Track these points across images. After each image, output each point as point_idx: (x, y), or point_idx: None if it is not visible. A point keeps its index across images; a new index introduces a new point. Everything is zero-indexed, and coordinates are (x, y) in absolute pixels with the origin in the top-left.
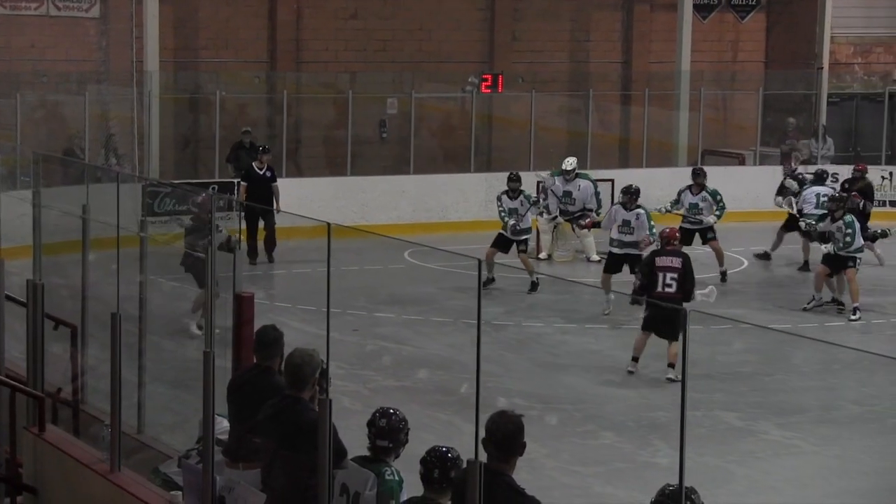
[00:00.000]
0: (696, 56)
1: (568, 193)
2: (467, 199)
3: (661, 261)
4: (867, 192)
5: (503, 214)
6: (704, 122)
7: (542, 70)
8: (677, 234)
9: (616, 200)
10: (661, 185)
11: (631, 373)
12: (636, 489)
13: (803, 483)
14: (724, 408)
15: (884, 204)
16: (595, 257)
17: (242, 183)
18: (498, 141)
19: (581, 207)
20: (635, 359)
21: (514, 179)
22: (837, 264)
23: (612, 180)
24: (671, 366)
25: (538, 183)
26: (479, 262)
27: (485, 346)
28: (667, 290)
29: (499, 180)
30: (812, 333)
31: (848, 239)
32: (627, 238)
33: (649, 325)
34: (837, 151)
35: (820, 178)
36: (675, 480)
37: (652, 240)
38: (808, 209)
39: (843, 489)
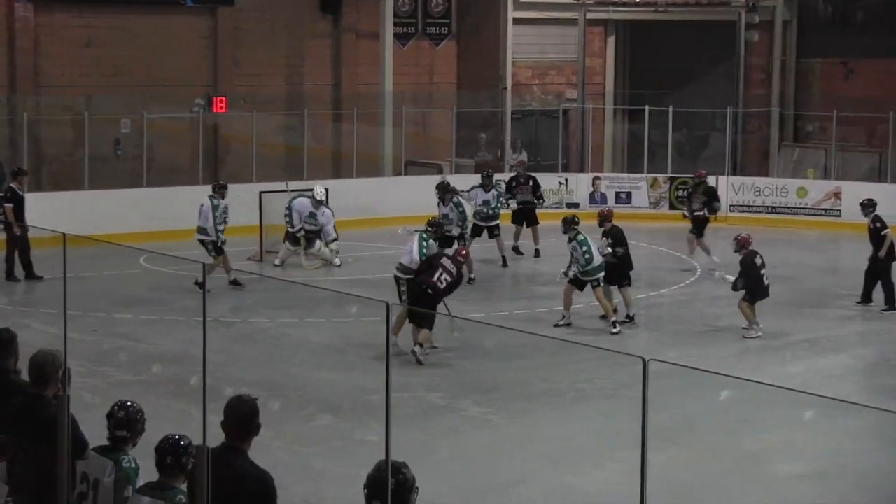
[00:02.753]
0: (398, 79)
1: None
2: (196, 209)
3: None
4: (711, 193)
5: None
6: (406, 137)
7: (262, 92)
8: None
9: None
10: (370, 192)
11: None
12: (353, 465)
13: (497, 450)
14: (428, 389)
15: (560, 205)
16: (337, 262)
17: (8, 204)
18: (223, 156)
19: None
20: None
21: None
22: (581, 284)
23: (327, 189)
24: (419, 345)
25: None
26: (203, 265)
27: (214, 341)
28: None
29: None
30: (504, 322)
31: (587, 256)
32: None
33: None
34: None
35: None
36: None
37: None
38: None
39: (533, 453)
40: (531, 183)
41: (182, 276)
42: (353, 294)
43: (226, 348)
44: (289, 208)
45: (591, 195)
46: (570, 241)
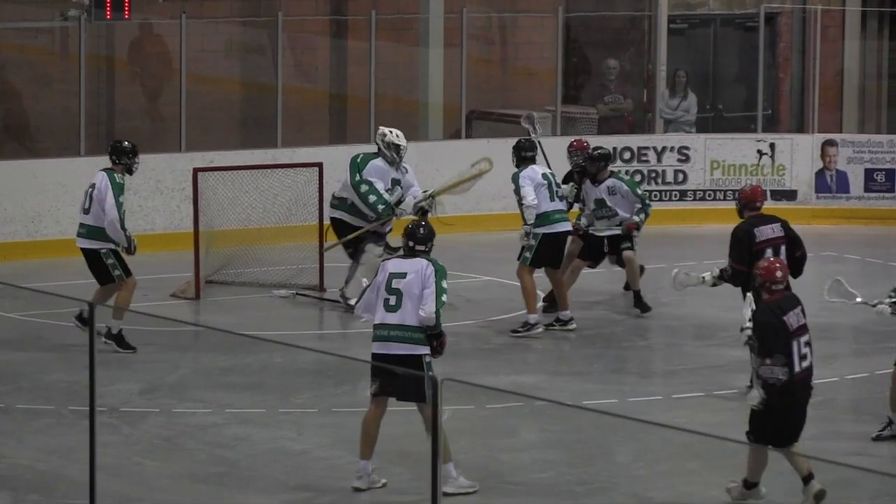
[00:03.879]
0: None
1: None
2: (74, 193)
3: None
4: None
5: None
6: (470, 66)
7: None
8: None
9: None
10: None
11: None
12: None
13: None
14: None
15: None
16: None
17: None
18: (124, 102)
19: None
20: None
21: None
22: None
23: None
24: None
25: None
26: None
27: (109, 453)
28: None
29: None
30: None
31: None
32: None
33: None
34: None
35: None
36: None
37: None
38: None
39: None
40: None
41: (46, 323)
42: (366, 361)
43: (128, 468)
44: (366, 183)
45: (820, 175)
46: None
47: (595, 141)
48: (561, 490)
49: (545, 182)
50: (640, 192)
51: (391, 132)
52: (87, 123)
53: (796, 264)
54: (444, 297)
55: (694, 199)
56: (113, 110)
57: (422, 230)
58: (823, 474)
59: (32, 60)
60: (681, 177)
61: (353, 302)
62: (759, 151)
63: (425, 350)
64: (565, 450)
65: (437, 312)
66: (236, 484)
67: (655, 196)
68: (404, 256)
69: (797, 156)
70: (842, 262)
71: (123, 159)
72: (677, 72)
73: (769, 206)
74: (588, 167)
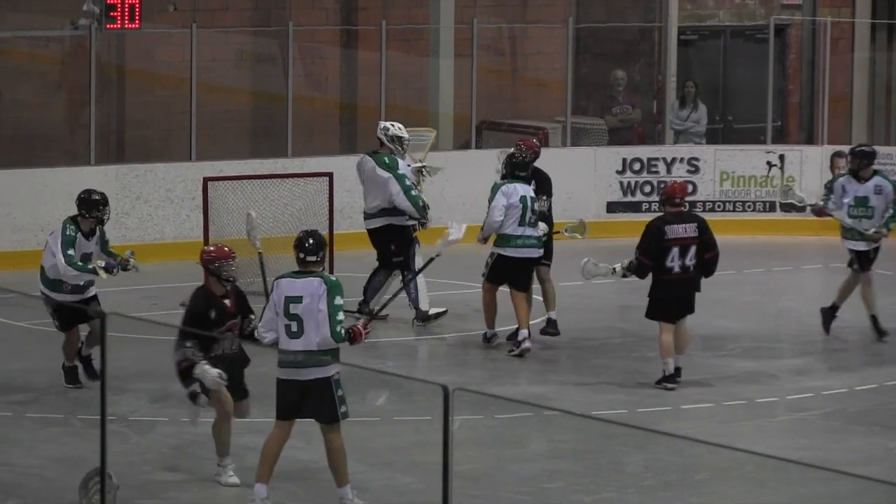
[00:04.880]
0: None
1: None
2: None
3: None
4: None
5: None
6: (481, 76)
7: None
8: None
9: None
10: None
11: None
12: None
13: None
14: None
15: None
16: None
17: None
18: (134, 111)
19: None
20: None
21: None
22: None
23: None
24: None
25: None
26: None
27: None
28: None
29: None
30: None
31: None
32: None
33: None
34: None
35: None
36: None
37: None
38: None
39: None
40: None
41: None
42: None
43: (138, 476)
44: (399, 177)
45: (830, 186)
46: None
47: (605, 151)
48: (570, 500)
49: (520, 205)
50: None
51: (393, 125)
52: (97, 133)
53: (706, 265)
54: (339, 316)
55: (703, 211)
56: (123, 119)
57: (311, 240)
58: (832, 484)
59: (43, 69)
60: (690, 188)
61: (433, 311)
62: (769, 163)
63: (335, 370)
64: (574, 460)
65: (336, 333)
66: (246, 493)
67: None
68: (297, 273)
69: (806, 167)
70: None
71: (93, 212)
72: (687, 83)
73: (778, 216)
74: (852, 164)
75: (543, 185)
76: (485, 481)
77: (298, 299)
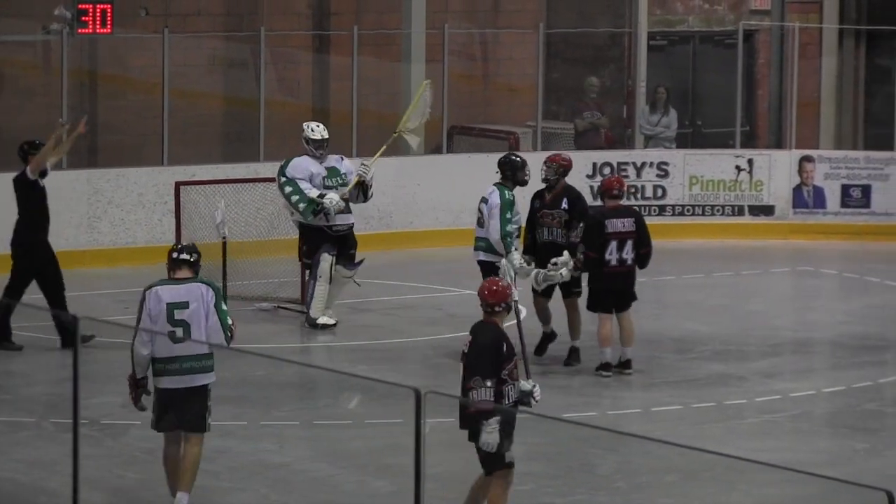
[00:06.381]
0: None
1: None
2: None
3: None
4: None
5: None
6: (451, 81)
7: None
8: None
9: None
10: (384, 187)
11: None
12: None
13: None
14: None
15: (741, 211)
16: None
17: None
18: (107, 116)
19: None
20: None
21: None
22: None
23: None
24: None
25: None
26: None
27: None
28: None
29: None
30: None
31: None
32: None
33: None
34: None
35: None
36: None
37: None
38: None
39: None
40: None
41: (28, 336)
42: (349, 374)
43: (110, 480)
44: (290, 184)
45: (798, 191)
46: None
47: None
48: (541, 502)
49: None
50: None
51: (307, 126)
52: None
53: (641, 259)
54: (229, 320)
55: (673, 214)
56: (95, 124)
57: (184, 244)
58: (800, 486)
59: (14, 74)
60: (660, 192)
61: (321, 321)
62: (738, 167)
63: (213, 378)
64: (546, 462)
65: (228, 334)
66: (218, 496)
67: None
68: (176, 280)
69: (775, 171)
70: (818, 276)
71: None
72: (658, 88)
73: (747, 220)
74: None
75: (575, 205)
76: (457, 484)
77: (184, 304)
